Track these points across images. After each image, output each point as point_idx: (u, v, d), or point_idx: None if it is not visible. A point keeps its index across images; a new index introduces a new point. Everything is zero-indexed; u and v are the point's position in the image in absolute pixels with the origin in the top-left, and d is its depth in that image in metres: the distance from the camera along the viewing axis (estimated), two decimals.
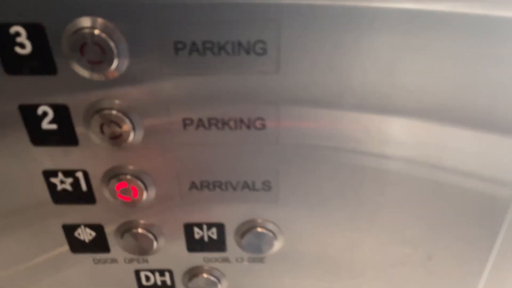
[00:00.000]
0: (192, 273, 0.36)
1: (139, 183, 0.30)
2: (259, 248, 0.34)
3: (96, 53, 0.25)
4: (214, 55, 0.25)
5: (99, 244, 0.34)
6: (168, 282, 0.37)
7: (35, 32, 0.25)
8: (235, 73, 0.26)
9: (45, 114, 0.28)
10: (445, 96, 0.27)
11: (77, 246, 0.34)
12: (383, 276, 0.36)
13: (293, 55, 0.26)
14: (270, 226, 0.33)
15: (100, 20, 0.24)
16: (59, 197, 0.31)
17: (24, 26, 0.24)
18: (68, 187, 0.31)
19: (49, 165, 0.30)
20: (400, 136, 0.29)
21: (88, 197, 0.32)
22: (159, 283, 0.37)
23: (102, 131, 0.28)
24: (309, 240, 0.34)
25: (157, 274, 0.36)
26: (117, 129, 0.28)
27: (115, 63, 0.25)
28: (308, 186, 0.31)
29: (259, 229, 0.33)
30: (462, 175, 0.30)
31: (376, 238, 0.34)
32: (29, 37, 0.25)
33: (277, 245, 0.34)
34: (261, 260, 0.35)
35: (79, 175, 0.30)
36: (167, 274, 0.36)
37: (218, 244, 0.34)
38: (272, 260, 0.35)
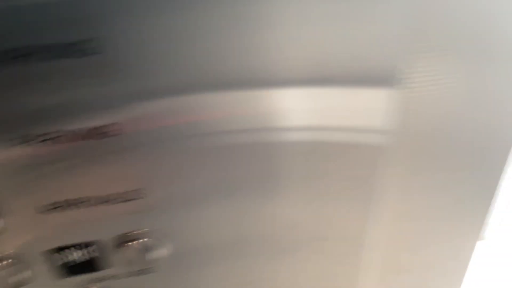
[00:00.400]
0: None
1: None
2: (142, 259, 0.31)
3: None
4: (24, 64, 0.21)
5: None
6: None
7: None
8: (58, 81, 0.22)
9: None
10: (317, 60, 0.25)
11: None
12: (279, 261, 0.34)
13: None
14: (149, 234, 0.30)
15: None
16: None
17: None
18: None
19: None
20: (281, 108, 0.26)
21: None
22: None
23: None
24: (197, 240, 0.32)
25: None
26: None
27: None
28: (185, 184, 0.28)
29: (137, 241, 0.30)
30: (343, 131, 0.28)
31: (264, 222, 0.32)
32: None
33: (163, 252, 0.31)
34: (151, 270, 0.32)
35: None
36: None
37: (94, 264, 0.31)
38: (163, 267, 0.32)
